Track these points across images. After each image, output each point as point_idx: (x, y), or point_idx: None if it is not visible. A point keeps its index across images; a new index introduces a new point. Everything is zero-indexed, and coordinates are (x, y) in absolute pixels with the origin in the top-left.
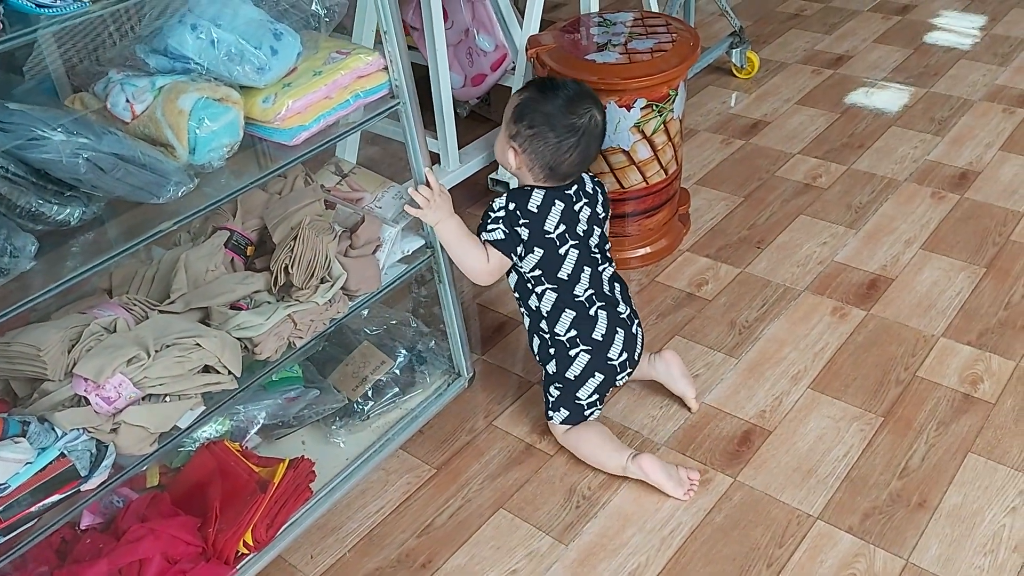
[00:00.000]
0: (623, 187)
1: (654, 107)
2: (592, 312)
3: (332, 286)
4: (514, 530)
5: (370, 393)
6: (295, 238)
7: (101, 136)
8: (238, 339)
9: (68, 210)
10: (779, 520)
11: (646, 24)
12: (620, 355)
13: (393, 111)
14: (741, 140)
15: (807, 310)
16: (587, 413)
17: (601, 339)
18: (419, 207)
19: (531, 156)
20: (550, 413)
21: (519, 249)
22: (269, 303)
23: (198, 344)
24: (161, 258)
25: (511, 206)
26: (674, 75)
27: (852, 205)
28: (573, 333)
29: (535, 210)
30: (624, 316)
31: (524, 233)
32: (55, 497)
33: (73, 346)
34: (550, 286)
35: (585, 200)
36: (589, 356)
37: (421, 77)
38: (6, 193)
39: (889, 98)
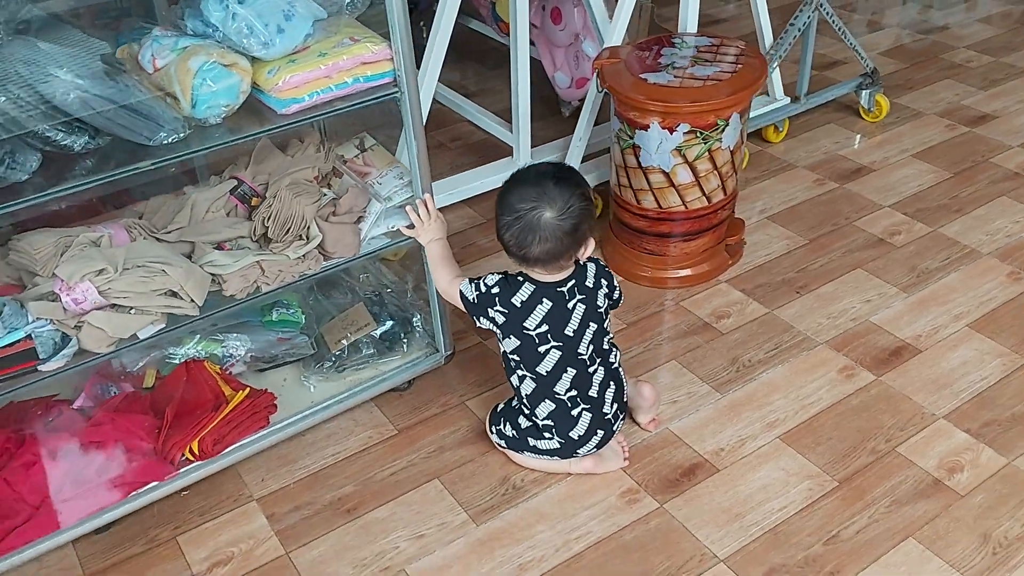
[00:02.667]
0: (660, 207)
1: (698, 134)
2: (575, 412)
3: (306, 244)
4: (439, 500)
5: (347, 349)
6: (275, 196)
7: (101, 81)
8: (211, 275)
9: (73, 138)
10: (684, 553)
11: (719, 51)
12: (590, 449)
13: (394, 99)
14: (836, 183)
15: (815, 363)
16: (525, 455)
17: (577, 439)
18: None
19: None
20: (491, 428)
21: (482, 320)
22: (247, 249)
23: (164, 270)
24: (190, 195)
25: (495, 290)
26: (722, 105)
27: (917, 268)
28: (551, 423)
29: (518, 305)
30: (608, 416)
31: (499, 319)
32: (15, 371)
33: (64, 252)
34: (530, 375)
35: (581, 297)
36: (559, 446)
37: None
38: (17, 117)
39: (1013, 167)
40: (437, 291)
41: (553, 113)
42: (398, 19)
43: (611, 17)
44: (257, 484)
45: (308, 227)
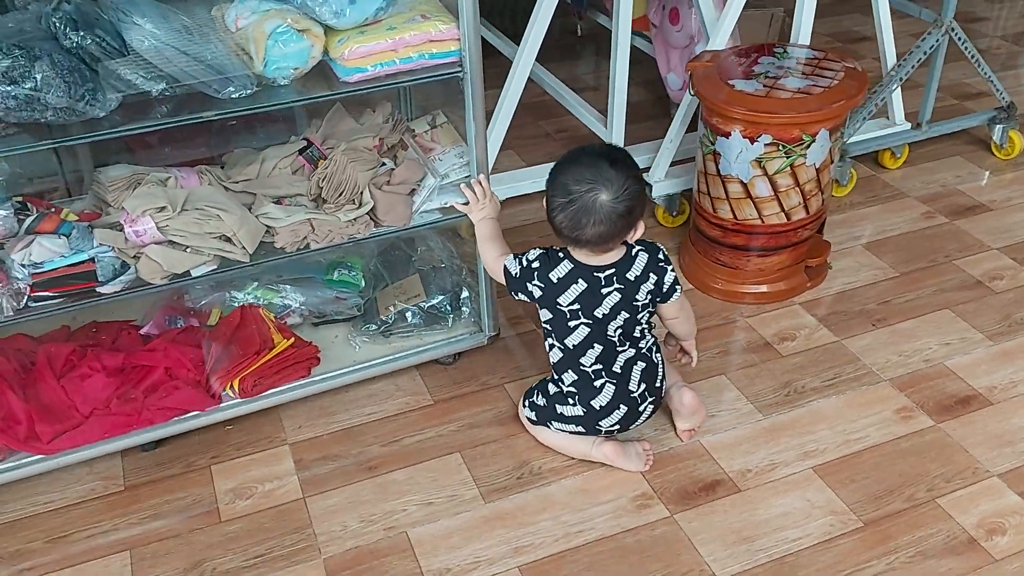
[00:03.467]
0: (736, 218)
1: (780, 147)
2: (597, 384)
3: (357, 208)
4: (456, 473)
5: (395, 316)
6: (332, 159)
7: (177, 34)
8: (265, 226)
9: (151, 84)
10: (683, 566)
11: (820, 65)
12: (613, 425)
13: (456, 78)
14: (945, 218)
15: (872, 399)
16: (552, 428)
17: (599, 409)
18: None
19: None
20: (524, 402)
21: (520, 295)
22: (303, 207)
23: (219, 216)
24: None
25: (535, 265)
26: (808, 120)
27: (1011, 318)
28: (574, 391)
29: (554, 280)
30: (635, 394)
31: (536, 293)
32: (77, 288)
33: (135, 187)
34: (559, 345)
35: (619, 287)
36: (581, 414)
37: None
38: (103, 59)
39: None
40: (484, 269)
41: (665, 114)
42: (467, 2)
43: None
44: (294, 430)
45: (361, 193)
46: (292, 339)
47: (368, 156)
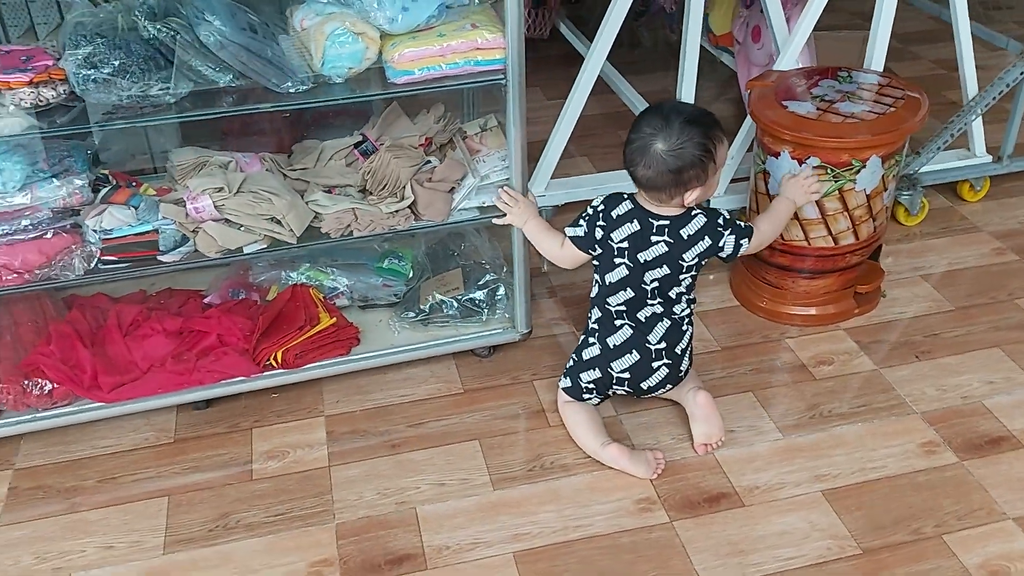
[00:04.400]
0: (783, 239)
1: (829, 170)
2: (617, 323)
3: (398, 202)
4: (471, 459)
5: (434, 306)
6: (378, 154)
7: (241, 31)
8: (314, 212)
9: (219, 75)
10: (672, 571)
11: (881, 91)
12: (623, 372)
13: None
14: (1016, 256)
15: (899, 431)
16: (584, 396)
17: (612, 348)
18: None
19: None
20: (561, 377)
21: (595, 247)
22: (350, 197)
23: (271, 199)
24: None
25: (600, 208)
26: (858, 145)
27: None
28: (595, 328)
29: (614, 217)
30: (651, 346)
31: (599, 234)
32: (139, 256)
33: (201, 168)
34: (598, 280)
35: (669, 239)
36: (597, 353)
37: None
38: (177, 51)
39: None
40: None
41: None
42: (511, 13)
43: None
44: (332, 403)
45: (403, 187)
46: (335, 318)
47: (413, 153)
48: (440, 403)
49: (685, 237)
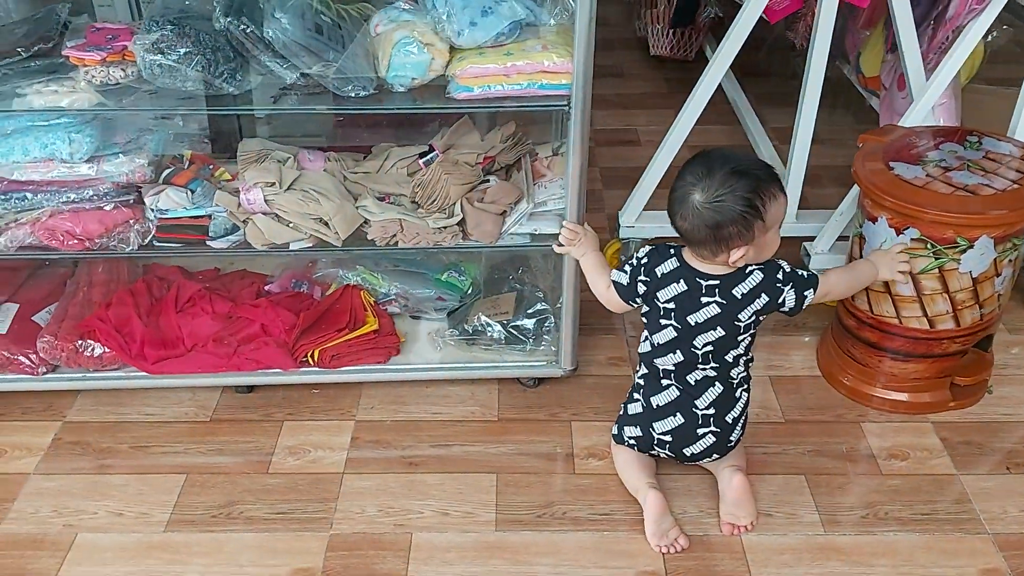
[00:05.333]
0: (872, 312)
1: (929, 245)
2: (663, 383)
3: (447, 219)
4: (483, 492)
5: (476, 328)
6: (431, 168)
7: (305, 32)
8: (363, 217)
9: (286, 72)
10: None
11: (1011, 164)
12: (664, 434)
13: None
14: None
15: (961, 549)
16: (628, 444)
17: (655, 408)
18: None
19: None
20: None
21: (636, 300)
22: (401, 206)
23: (319, 200)
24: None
25: (644, 261)
26: (966, 223)
27: None
28: (641, 383)
29: (659, 275)
30: (698, 411)
31: (641, 288)
32: (190, 238)
33: (262, 160)
34: (648, 337)
35: (721, 300)
36: (640, 411)
37: None
38: (248, 45)
39: None
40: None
41: None
42: (580, 39)
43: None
44: (365, 409)
45: (453, 204)
46: (377, 324)
47: (466, 171)
48: (470, 427)
49: (739, 296)
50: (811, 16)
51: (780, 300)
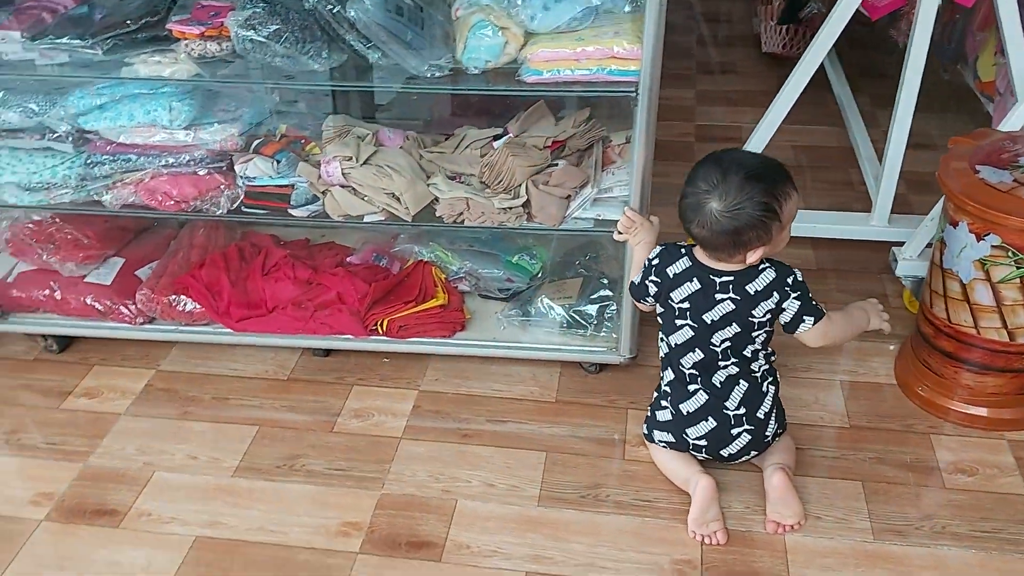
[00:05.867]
0: (949, 320)
1: (1011, 253)
2: (691, 388)
3: (511, 199)
4: (530, 468)
5: (539, 311)
6: (499, 150)
7: (386, 13)
8: (434, 195)
9: (369, 52)
10: None
11: None
12: (699, 439)
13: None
14: None
15: (1017, 569)
16: (661, 446)
17: (686, 416)
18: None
19: None
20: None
21: (648, 299)
22: (470, 186)
23: (391, 176)
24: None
25: (655, 262)
26: None
27: None
28: (668, 391)
29: (671, 276)
30: (730, 412)
31: (652, 289)
32: (273, 205)
33: (344, 136)
34: (664, 338)
35: (735, 296)
36: (670, 418)
37: None
38: (334, 25)
39: None
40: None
41: None
42: (650, 25)
43: None
44: (430, 380)
45: (518, 186)
46: (445, 300)
47: (534, 153)
48: (527, 406)
49: (752, 293)
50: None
51: (784, 305)
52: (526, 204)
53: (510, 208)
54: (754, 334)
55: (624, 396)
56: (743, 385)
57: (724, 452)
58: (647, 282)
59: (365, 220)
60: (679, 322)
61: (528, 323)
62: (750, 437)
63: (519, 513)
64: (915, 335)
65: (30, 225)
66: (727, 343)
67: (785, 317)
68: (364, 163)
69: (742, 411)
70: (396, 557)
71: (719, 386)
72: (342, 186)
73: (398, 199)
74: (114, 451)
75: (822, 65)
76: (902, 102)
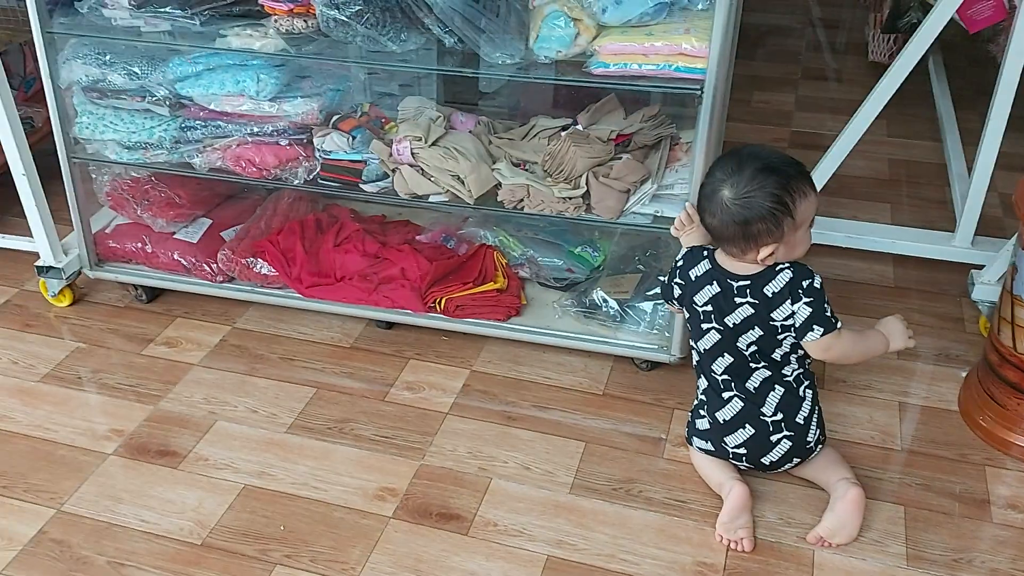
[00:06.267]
0: (1016, 349)
1: None
2: (725, 395)
3: (570, 190)
4: (567, 456)
5: (593, 303)
6: (562, 140)
7: (464, 1)
8: (496, 180)
9: (447, 37)
10: None
11: None
12: (739, 448)
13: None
14: None
15: None
16: (699, 450)
17: (723, 423)
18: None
19: None
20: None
21: (671, 304)
22: (533, 173)
23: (457, 158)
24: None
25: (680, 264)
26: None
27: None
28: (704, 399)
29: (692, 278)
30: (767, 419)
31: (677, 291)
32: (345, 179)
33: (418, 117)
34: (694, 344)
35: (752, 300)
36: (707, 427)
37: None
38: (413, 8)
39: None
40: None
41: None
42: (719, 25)
43: None
44: (483, 361)
45: (579, 177)
46: (504, 284)
47: (596, 145)
48: (574, 396)
49: (770, 295)
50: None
51: (795, 308)
52: (585, 195)
53: (569, 198)
54: (779, 337)
55: (672, 396)
56: (778, 390)
57: (765, 460)
58: (673, 284)
59: (430, 200)
60: (705, 326)
61: (583, 314)
62: (791, 444)
63: (548, 498)
64: (982, 363)
65: (128, 181)
66: (753, 346)
67: (796, 322)
68: (432, 144)
69: (779, 416)
70: (425, 525)
71: (753, 392)
72: (410, 165)
73: (462, 181)
74: (182, 398)
75: (929, 79)
76: (992, 119)
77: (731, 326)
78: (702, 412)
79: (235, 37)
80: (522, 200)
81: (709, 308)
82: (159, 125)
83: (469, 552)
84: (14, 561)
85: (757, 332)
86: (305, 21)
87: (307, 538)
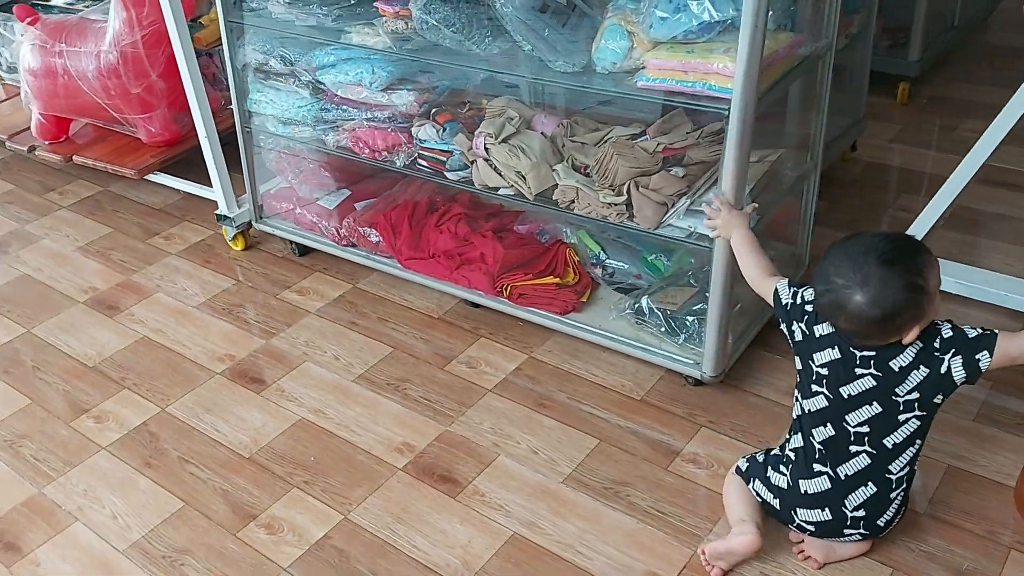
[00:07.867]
0: None
1: None
2: (816, 468)
3: (614, 196)
4: (577, 449)
5: (638, 309)
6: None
7: (529, 11)
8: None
9: (524, 42)
10: None
11: None
12: (808, 524)
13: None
14: None
15: None
16: (757, 498)
17: (803, 495)
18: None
19: None
20: (742, 458)
21: (784, 327)
22: (588, 177)
23: (519, 156)
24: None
25: (808, 308)
26: None
27: None
28: (791, 456)
29: (817, 336)
30: (847, 512)
31: (797, 336)
32: (433, 166)
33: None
34: (798, 400)
35: (877, 372)
36: (785, 487)
37: None
38: (497, 16)
39: None
40: (717, 305)
41: None
42: (744, 46)
43: None
44: (543, 351)
45: (621, 185)
46: (572, 279)
47: (640, 155)
48: (611, 396)
49: (897, 369)
50: None
51: (943, 370)
52: (628, 203)
53: (613, 204)
54: (901, 417)
55: (707, 414)
56: (870, 488)
57: (824, 535)
58: (796, 325)
59: (499, 192)
60: (815, 388)
61: (635, 320)
62: (860, 539)
63: (541, 483)
64: None
65: (289, 152)
66: (865, 426)
67: (956, 377)
68: (502, 141)
69: (861, 514)
70: (424, 483)
71: (844, 479)
72: (484, 159)
73: (523, 178)
74: (290, 338)
75: None
76: None
77: (845, 397)
78: (783, 469)
79: (356, 34)
80: (573, 201)
81: (825, 372)
82: (304, 105)
83: (448, 514)
84: (298, 561)
85: (875, 409)
86: (406, 23)
87: (328, 471)
